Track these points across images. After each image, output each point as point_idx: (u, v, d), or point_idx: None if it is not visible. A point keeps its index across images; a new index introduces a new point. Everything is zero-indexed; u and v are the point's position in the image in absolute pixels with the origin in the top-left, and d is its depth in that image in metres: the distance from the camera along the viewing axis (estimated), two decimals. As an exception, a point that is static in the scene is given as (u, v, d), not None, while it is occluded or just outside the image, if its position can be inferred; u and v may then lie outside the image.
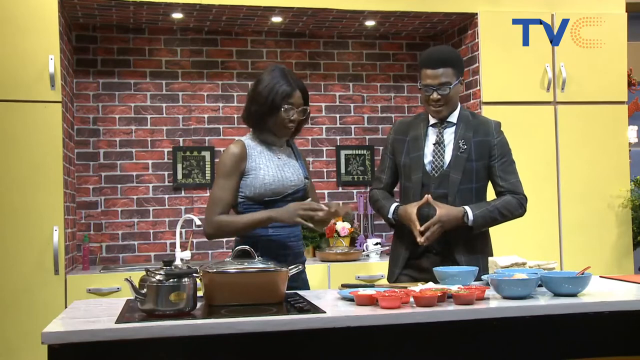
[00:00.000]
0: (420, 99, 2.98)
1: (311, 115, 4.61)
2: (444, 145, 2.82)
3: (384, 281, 4.06)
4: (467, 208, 2.73)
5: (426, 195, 2.73)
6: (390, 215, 2.85)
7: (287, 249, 2.69)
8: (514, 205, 2.83)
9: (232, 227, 2.62)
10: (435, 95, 2.77)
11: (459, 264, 2.76)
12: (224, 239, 4.50)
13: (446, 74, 2.77)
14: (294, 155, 2.81)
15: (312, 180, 3.06)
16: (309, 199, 2.69)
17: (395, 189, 3.03)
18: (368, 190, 3.10)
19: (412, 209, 2.74)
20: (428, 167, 2.81)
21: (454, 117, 2.85)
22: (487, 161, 2.83)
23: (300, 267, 2.44)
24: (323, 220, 2.58)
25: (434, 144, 2.82)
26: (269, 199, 2.65)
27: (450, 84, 2.77)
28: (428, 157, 2.82)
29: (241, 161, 2.65)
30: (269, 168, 2.66)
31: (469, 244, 2.80)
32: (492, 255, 2.92)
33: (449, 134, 2.83)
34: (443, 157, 2.81)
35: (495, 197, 2.89)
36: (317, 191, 4.58)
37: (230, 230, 2.64)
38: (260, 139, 2.72)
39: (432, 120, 2.87)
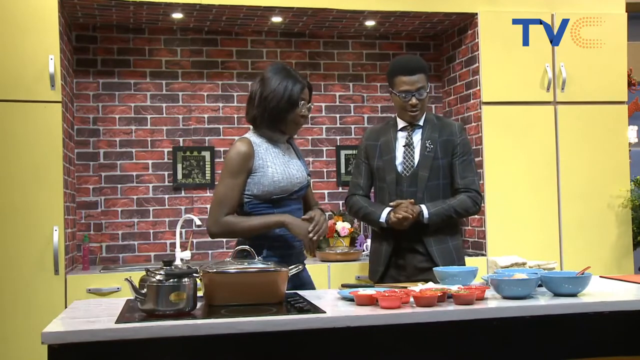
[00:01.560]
0: (395, 105, 3.08)
1: (311, 115, 4.63)
2: (413, 147, 3.04)
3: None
4: (423, 207, 2.95)
5: (412, 200, 2.96)
6: (383, 219, 2.99)
7: (291, 248, 2.70)
8: (469, 204, 3.04)
9: (240, 228, 2.60)
10: (414, 100, 2.97)
11: (429, 253, 2.96)
12: (224, 239, 4.50)
13: (421, 80, 2.99)
14: (295, 153, 2.83)
15: (312, 179, 3.07)
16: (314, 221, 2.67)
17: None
18: (346, 196, 3.24)
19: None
20: (399, 168, 3.03)
21: (420, 121, 3.07)
22: (450, 159, 3.04)
23: (300, 267, 2.45)
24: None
25: (404, 146, 3.05)
26: (276, 197, 2.64)
27: (426, 88, 3.00)
28: (399, 159, 3.04)
29: (249, 159, 2.63)
30: (277, 165, 2.66)
31: (436, 233, 3.00)
32: (462, 235, 3.18)
33: (417, 136, 3.05)
34: (413, 158, 3.03)
35: (452, 193, 3.08)
36: (317, 191, 4.61)
37: (238, 231, 2.62)
38: (265, 137, 2.71)
39: (400, 125, 3.08)
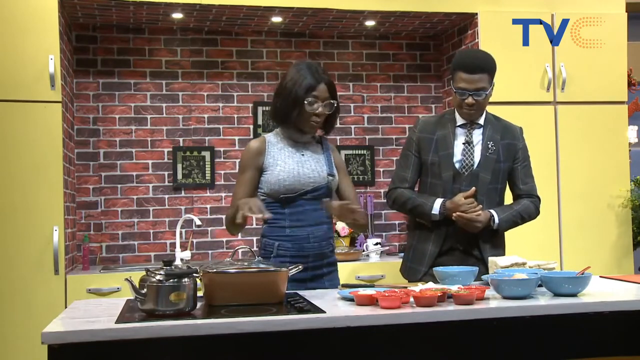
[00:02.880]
0: (453, 100, 2.97)
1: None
2: (473, 146, 2.90)
3: (384, 281, 4.06)
4: (494, 212, 2.84)
5: (473, 188, 2.81)
6: (436, 211, 2.84)
7: (305, 249, 2.66)
8: (532, 210, 2.97)
9: (227, 221, 2.68)
10: (470, 100, 2.83)
11: (484, 259, 2.83)
12: (224, 239, 4.51)
13: (482, 80, 2.83)
14: (322, 152, 2.76)
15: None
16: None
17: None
18: (388, 189, 3.06)
19: (460, 197, 2.79)
20: (457, 166, 2.88)
21: (481, 120, 2.94)
22: (511, 164, 2.94)
23: (300, 267, 2.43)
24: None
25: (463, 144, 2.89)
26: (285, 196, 2.63)
27: (486, 89, 2.85)
28: (457, 156, 2.89)
29: (258, 156, 2.66)
30: (287, 164, 2.64)
31: (493, 239, 2.90)
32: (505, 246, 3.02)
33: (477, 135, 2.92)
34: (472, 157, 2.89)
35: (512, 198, 3.00)
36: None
37: (227, 225, 2.69)
38: (285, 136, 2.70)
39: (459, 121, 2.94)
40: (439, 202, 2.84)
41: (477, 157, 2.88)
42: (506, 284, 2.24)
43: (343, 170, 2.81)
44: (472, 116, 2.89)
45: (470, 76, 2.81)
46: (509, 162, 2.93)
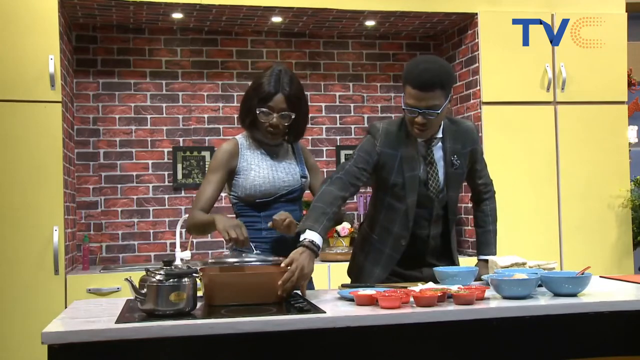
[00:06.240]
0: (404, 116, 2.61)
1: (311, 115, 4.63)
2: (436, 163, 2.58)
3: (384, 281, 4.05)
4: (487, 257, 2.71)
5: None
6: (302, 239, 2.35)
7: (282, 251, 2.61)
8: (495, 207, 2.79)
9: (193, 223, 2.61)
10: (420, 119, 2.43)
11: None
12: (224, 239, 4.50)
13: (435, 97, 2.40)
14: (293, 154, 2.76)
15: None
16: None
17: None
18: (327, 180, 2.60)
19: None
20: (424, 189, 2.58)
21: (439, 132, 2.58)
22: (471, 166, 2.70)
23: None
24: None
25: (426, 164, 2.57)
26: (260, 201, 2.63)
27: (439, 107, 2.41)
28: (423, 177, 2.57)
29: (231, 158, 2.64)
30: (260, 168, 2.63)
31: (441, 249, 2.72)
32: (456, 251, 2.82)
33: (438, 150, 2.59)
34: (438, 176, 2.59)
35: (471, 193, 2.81)
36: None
37: (192, 226, 2.64)
38: (254, 138, 2.69)
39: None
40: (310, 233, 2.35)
41: (441, 176, 2.58)
42: (506, 284, 2.24)
43: (316, 170, 2.81)
44: (422, 136, 2.50)
45: (420, 93, 2.38)
46: (469, 166, 2.67)
